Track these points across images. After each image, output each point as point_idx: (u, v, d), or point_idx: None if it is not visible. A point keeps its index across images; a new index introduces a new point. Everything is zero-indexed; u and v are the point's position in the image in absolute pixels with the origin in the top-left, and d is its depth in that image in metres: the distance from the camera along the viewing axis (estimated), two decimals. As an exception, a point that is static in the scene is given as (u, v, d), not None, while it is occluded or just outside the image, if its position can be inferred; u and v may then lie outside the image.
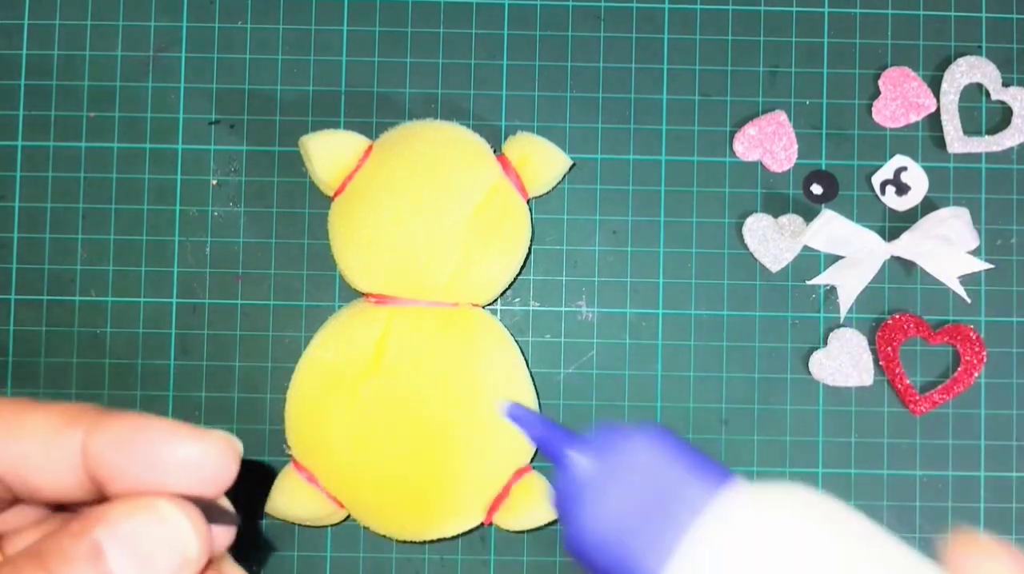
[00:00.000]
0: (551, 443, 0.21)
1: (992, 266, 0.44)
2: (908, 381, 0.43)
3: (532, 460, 0.41)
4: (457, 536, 0.41)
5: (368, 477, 0.39)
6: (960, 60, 0.44)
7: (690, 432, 0.44)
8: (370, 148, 0.41)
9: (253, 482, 0.43)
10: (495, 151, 0.41)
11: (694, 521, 0.19)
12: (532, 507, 0.40)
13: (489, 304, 0.42)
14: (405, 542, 0.42)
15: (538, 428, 0.22)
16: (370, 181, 0.40)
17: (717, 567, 0.18)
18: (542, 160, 0.41)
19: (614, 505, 0.20)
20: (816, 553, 0.18)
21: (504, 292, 0.43)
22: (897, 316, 0.43)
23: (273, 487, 0.40)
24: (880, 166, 0.44)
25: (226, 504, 0.22)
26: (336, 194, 0.41)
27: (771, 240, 0.44)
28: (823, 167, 0.45)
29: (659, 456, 0.20)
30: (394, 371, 0.39)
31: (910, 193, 0.44)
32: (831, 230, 0.43)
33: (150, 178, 0.44)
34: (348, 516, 0.41)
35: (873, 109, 0.44)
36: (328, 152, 0.40)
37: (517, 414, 0.22)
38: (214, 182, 0.44)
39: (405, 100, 0.44)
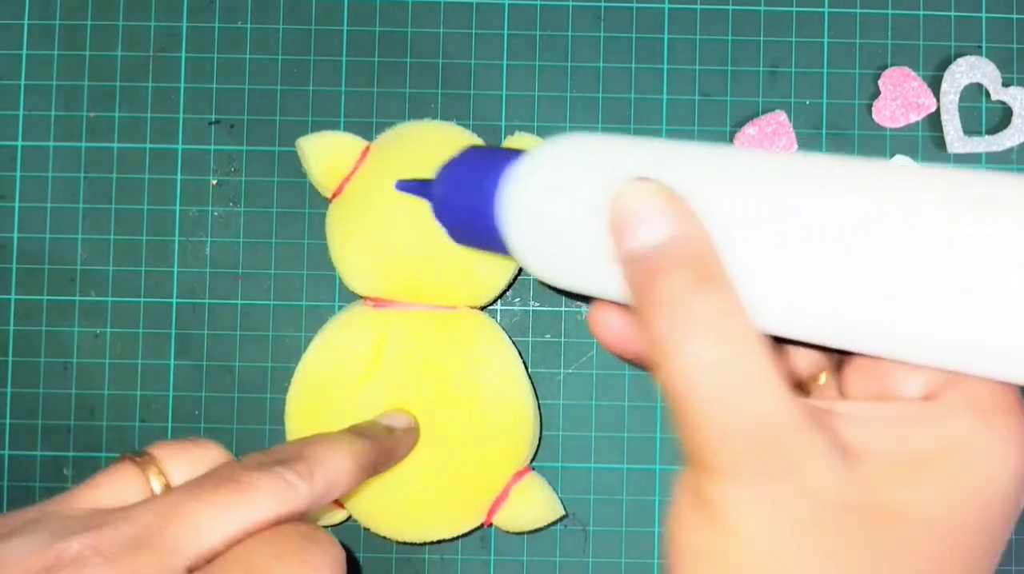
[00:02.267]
0: (420, 189, 0.30)
1: (992, 266, 0.44)
2: (908, 381, 0.43)
3: (531, 461, 0.41)
4: (457, 537, 0.41)
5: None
6: (960, 60, 0.44)
7: (690, 432, 0.44)
8: (367, 149, 0.41)
9: (253, 482, 0.43)
10: (495, 151, 0.41)
11: (501, 179, 0.24)
12: (532, 508, 0.40)
13: (488, 305, 0.42)
14: (405, 543, 0.42)
15: (417, 187, 0.30)
16: (367, 183, 0.40)
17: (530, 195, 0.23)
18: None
19: (454, 200, 0.27)
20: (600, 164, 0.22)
21: (504, 293, 0.43)
22: (897, 316, 0.43)
23: (273, 487, 0.40)
24: (880, 166, 0.44)
25: None
26: (334, 196, 0.41)
27: (771, 240, 0.44)
28: (823, 167, 0.45)
29: (473, 159, 0.26)
30: (393, 374, 0.39)
31: (910, 193, 0.44)
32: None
33: (150, 178, 0.44)
34: (348, 517, 0.41)
35: (873, 109, 0.44)
36: (325, 154, 0.40)
37: (403, 186, 0.31)
38: (214, 182, 0.44)
39: (405, 100, 0.44)
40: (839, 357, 0.23)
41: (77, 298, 0.44)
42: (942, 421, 0.19)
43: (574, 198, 0.22)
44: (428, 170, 0.39)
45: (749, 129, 0.44)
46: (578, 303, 0.44)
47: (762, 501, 0.18)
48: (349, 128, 0.43)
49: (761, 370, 0.19)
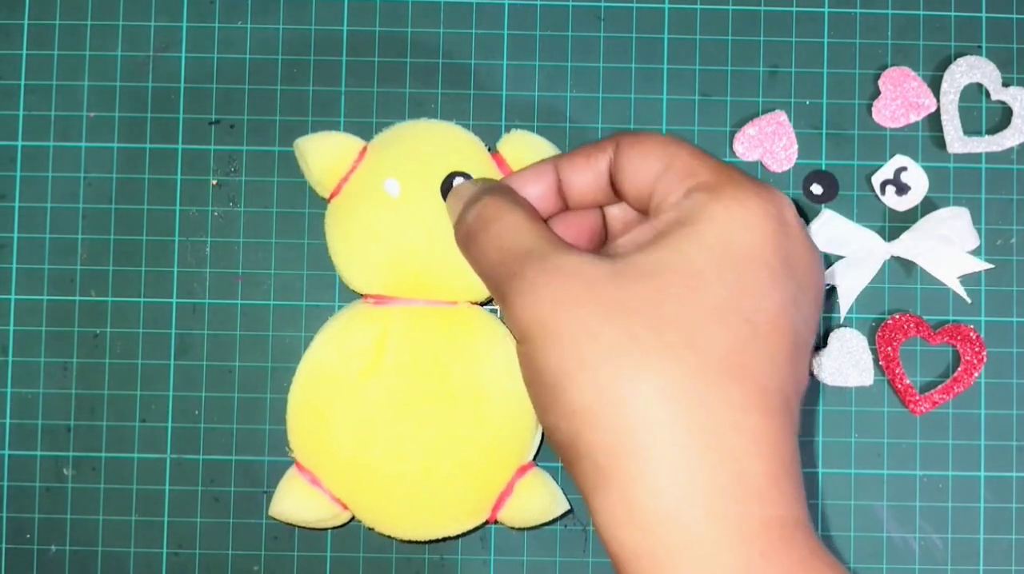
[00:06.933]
0: None
1: (992, 266, 0.44)
2: (908, 381, 0.43)
3: (535, 457, 0.41)
4: (460, 535, 0.41)
5: (372, 478, 0.39)
6: (960, 60, 0.44)
7: (690, 432, 0.44)
8: (364, 149, 0.41)
9: (254, 483, 0.43)
10: (490, 149, 0.41)
11: None
12: (537, 503, 0.40)
13: (488, 303, 0.42)
14: (409, 542, 0.42)
15: None
16: (366, 182, 0.40)
17: None
18: (537, 157, 0.41)
19: None
20: None
21: (504, 292, 0.43)
22: (897, 316, 0.44)
23: (276, 490, 0.40)
24: (880, 166, 0.44)
25: None
26: (332, 196, 0.41)
27: (771, 240, 0.44)
28: (823, 167, 0.45)
29: None
30: (395, 371, 0.39)
31: (910, 193, 0.44)
32: (831, 230, 0.43)
33: (150, 178, 0.44)
34: (352, 518, 0.41)
35: (873, 109, 0.44)
36: (323, 154, 0.40)
37: None
38: (214, 182, 0.44)
39: (405, 100, 0.44)
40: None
41: (77, 298, 0.44)
42: (682, 209, 0.25)
43: None
44: (426, 169, 0.40)
45: (749, 129, 0.44)
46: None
47: (546, 292, 0.24)
48: (349, 128, 0.43)
49: (520, 224, 0.27)
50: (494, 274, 0.26)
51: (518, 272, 0.25)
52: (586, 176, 0.29)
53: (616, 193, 0.29)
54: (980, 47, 0.45)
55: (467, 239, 0.28)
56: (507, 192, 0.29)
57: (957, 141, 0.44)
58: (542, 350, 0.23)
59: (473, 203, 0.29)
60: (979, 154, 0.44)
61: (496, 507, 0.40)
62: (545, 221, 0.29)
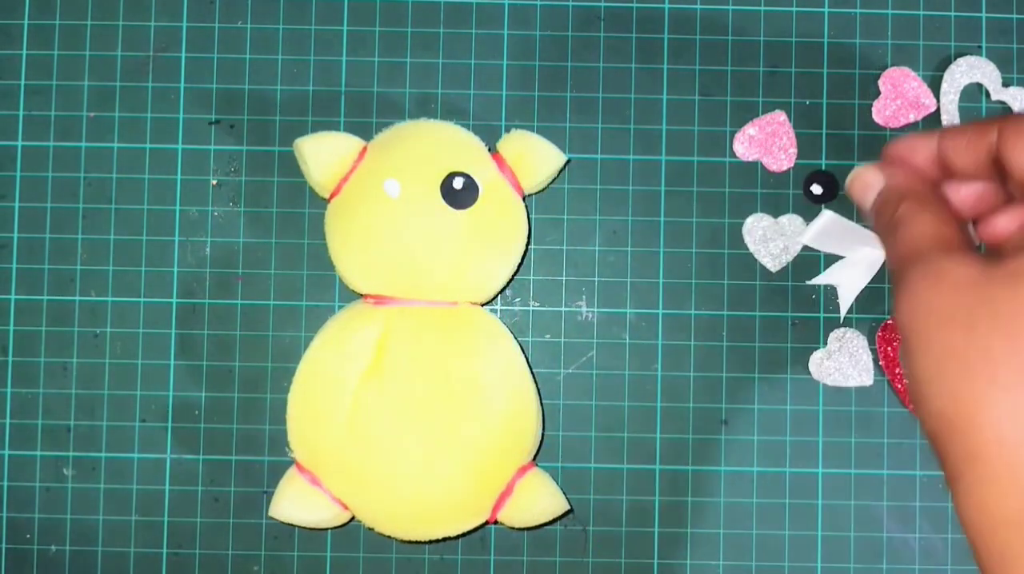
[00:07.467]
0: None
1: (992, 266, 0.44)
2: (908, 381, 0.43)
3: (535, 457, 0.41)
4: (460, 535, 0.41)
5: (372, 478, 0.39)
6: (960, 60, 0.44)
7: (690, 432, 0.44)
8: (364, 149, 0.41)
9: (254, 483, 0.43)
10: (490, 149, 0.41)
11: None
12: (536, 504, 0.40)
13: (488, 303, 0.42)
14: (409, 542, 0.42)
15: None
16: (366, 182, 0.40)
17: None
18: (537, 157, 0.41)
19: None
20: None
21: (503, 290, 0.43)
22: (897, 316, 0.43)
23: (276, 491, 0.40)
24: (880, 166, 0.44)
25: None
26: (332, 196, 0.41)
27: (771, 240, 0.44)
28: (823, 167, 0.45)
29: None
30: (395, 371, 0.39)
31: (910, 193, 0.44)
32: (831, 230, 0.43)
33: (150, 178, 0.44)
34: (352, 518, 0.41)
35: (873, 109, 0.44)
36: (322, 154, 0.40)
37: None
38: (214, 182, 0.44)
39: (405, 100, 0.44)
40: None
41: (77, 298, 0.44)
42: None
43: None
44: (426, 169, 0.40)
45: (749, 129, 0.44)
46: (578, 303, 0.44)
47: (919, 298, 0.26)
48: (349, 128, 0.43)
49: (925, 228, 0.28)
50: (893, 270, 0.28)
51: (906, 274, 0.27)
52: (968, 153, 0.29)
53: (1002, 174, 0.29)
54: (980, 47, 0.45)
55: (883, 232, 0.31)
56: (921, 190, 0.30)
57: (957, 141, 0.44)
58: (912, 353, 0.26)
59: (894, 200, 0.31)
60: (979, 154, 0.44)
61: (496, 507, 0.40)
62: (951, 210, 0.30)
